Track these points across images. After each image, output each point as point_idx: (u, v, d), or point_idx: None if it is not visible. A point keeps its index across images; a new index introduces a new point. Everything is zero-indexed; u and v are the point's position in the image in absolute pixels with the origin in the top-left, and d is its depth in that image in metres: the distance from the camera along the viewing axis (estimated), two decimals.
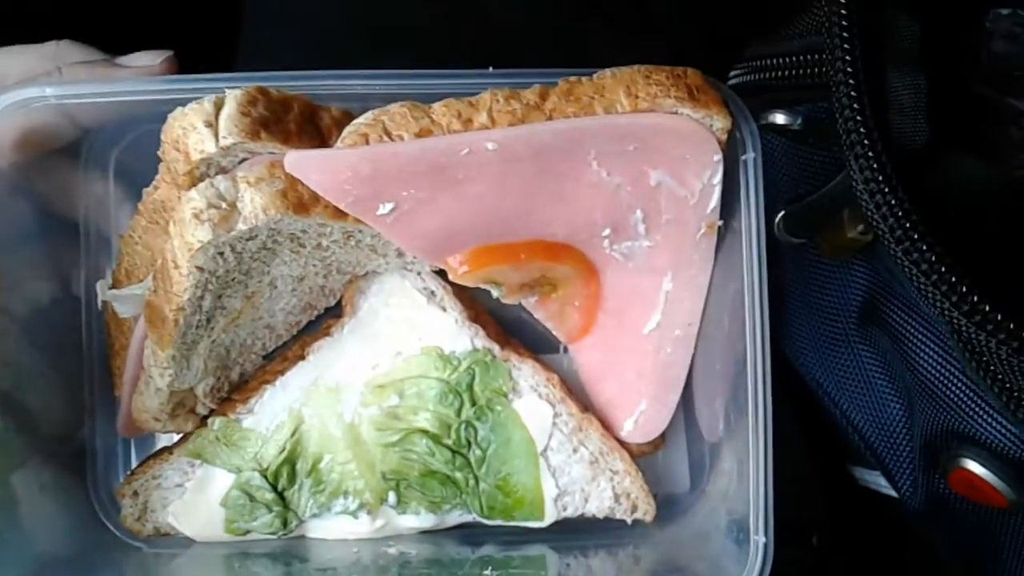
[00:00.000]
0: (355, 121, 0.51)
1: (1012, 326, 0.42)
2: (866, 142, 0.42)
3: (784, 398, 0.71)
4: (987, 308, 0.42)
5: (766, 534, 0.51)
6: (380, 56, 0.54)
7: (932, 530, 0.66)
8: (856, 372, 0.64)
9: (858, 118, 0.42)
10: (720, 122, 0.50)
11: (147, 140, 0.54)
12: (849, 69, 0.43)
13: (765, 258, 0.51)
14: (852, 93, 0.43)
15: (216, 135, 0.49)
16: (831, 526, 0.76)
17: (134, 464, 0.65)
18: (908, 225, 0.43)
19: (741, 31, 0.63)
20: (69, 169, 0.61)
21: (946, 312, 0.44)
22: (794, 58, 0.54)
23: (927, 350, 0.56)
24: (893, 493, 0.67)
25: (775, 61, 0.54)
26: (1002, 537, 0.60)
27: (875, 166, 0.42)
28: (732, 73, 0.60)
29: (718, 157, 0.51)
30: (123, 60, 0.56)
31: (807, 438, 0.74)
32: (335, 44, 0.73)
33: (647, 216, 0.54)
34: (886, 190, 0.42)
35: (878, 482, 0.71)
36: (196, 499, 0.62)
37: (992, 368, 0.49)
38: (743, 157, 0.51)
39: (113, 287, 0.59)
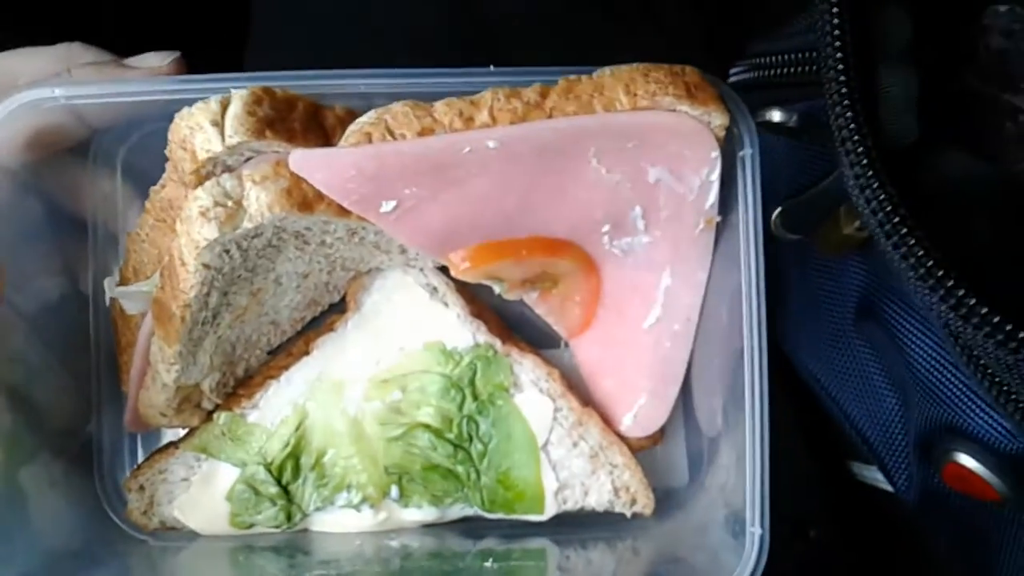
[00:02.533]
0: (358, 120, 0.52)
1: (998, 320, 0.42)
2: (856, 137, 0.43)
3: (783, 394, 0.72)
4: (974, 302, 0.43)
5: (762, 525, 0.51)
6: (384, 55, 0.55)
7: (927, 525, 0.67)
8: (853, 368, 0.64)
9: (848, 114, 0.43)
10: (718, 119, 0.51)
11: (155, 139, 0.55)
12: (840, 66, 0.44)
13: (763, 253, 0.51)
14: (843, 89, 0.43)
15: (222, 134, 0.50)
16: (829, 520, 0.77)
17: (141, 459, 0.66)
18: (897, 219, 0.43)
19: (742, 27, 0.64)
20: (78, 168, 0.62)
21: (935, 306, 0.44)
22: (791, 55, 0.55)
23: (922, 345, 0.57)
24: (890, 488, 0.68)
25: (773, 59, 0.55)
26: (995, 531, 0.60)
27: (865, 161, 0.43)
28: (733, 71, 0.61)
29: (716, 154, 0.52)
30: (131, 61, 0.57)
31: (805, 434, 0.75)
32: (340, 44, 0.74)
33: (646, 212, 0.55)
34: (875, 184, 0.43)
35: (875, 477, 0.72)
36: (201, 493, 0.63)
37: (982, 363, 0.50)
38: (740, 153, 0.52)
39: (120, 284, 0.60)
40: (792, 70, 0.55)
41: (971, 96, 0.50)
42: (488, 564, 0.58)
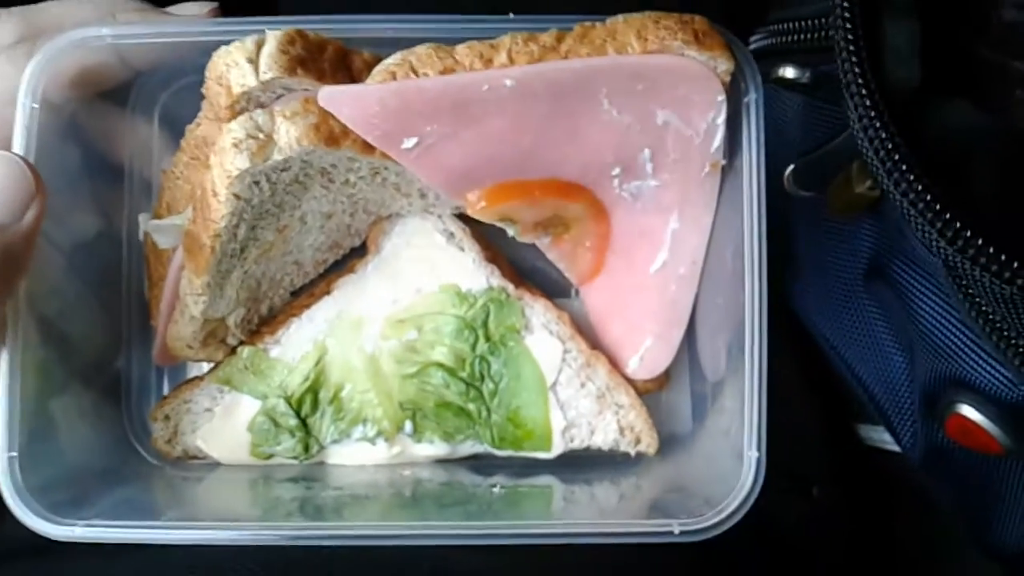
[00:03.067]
0: (384, 61, 0.55)
1: (994, 252, 0.44)
2: (860, 81, 0.45)
3: (791, 354, 0.74)
4: (975, 239, 0.44)
5: (758, 449, 0.54)
6: (411, 5, 0.58)
7: (933, 481, 0.70)
8: (862, 327, 0.66)
9: (854, 58, 0.45)
10: (724, 64, 0.54)
11: (190, 90, 0.59)
12: (847, 14, 0.46)
13: (764, 196, 0.54)
14: (849, 36, 0.46)
15: (256, 70, 0.53)
16: (833, 481, 0.78)
17: (167, 392, 0.69)
18: (898, 157, 0.45)
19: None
20: (117, 113, 0.65)
21: (941, 249, 0.46)
22: (808, 21, 0.57)
23: (928, 302, 0.58)
24: (896, 448, 0.70)
25: (791, 25, 0.58)
26: (999, 485, 0.62)
27: (868, 103, 0.45)
28: (752, 38, 0.63)
29: (721, 97, 0.54)
30: (172, 9, 0.61)
31: (813, 394, 0.77)
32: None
33: (655, 155, 0.58)
34: (878, 125, 0.45)
35: (882, 439, 0.74)
36: (224, 424, 0.66)
37: (985, 309, 0.52)
38: (745, 99, 0.55)
39: (153, 219, 0.63)
40: (809, 36, 0.57)
41: (981, 60, 0.51)
42: (496, 489, 0.61)
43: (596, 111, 0.55)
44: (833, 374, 0.73)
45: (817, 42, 0.58)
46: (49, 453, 0.59)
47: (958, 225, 0.45)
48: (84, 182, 0.64)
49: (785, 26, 0.60)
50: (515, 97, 0.53)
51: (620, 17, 0.54)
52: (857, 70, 0.45)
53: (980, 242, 0.45)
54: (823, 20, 0.57)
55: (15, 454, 0.54)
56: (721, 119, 0.55)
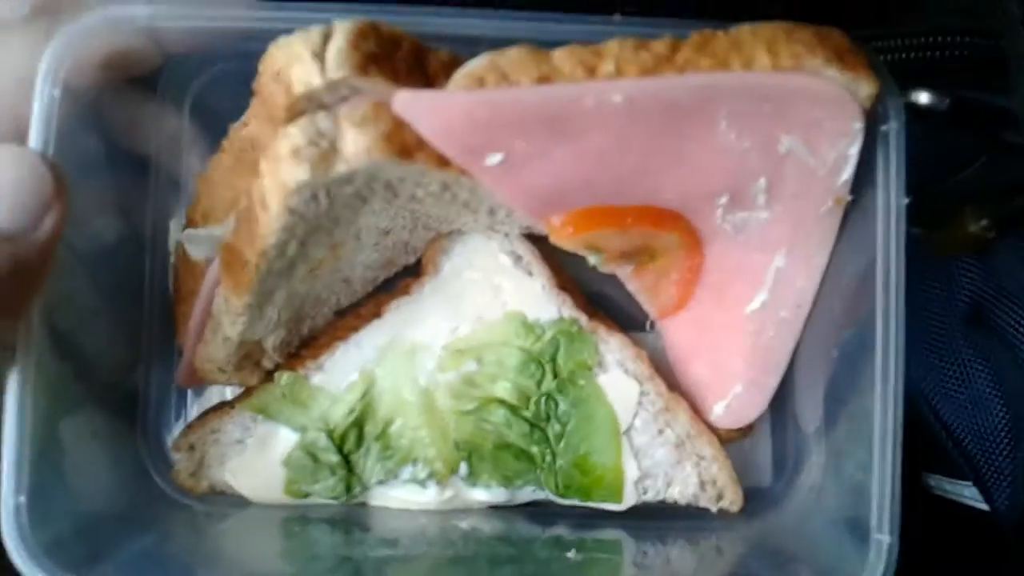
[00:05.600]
0: (468, 64, 0.47)
1: None
2: None
3: None
4: None
5: (891, 533, 0.47)
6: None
7: None
8: (958, 375, 0.62)
9: None
10: (865, 88, 0.46)
11: (227, 79, 0.52)
12: None
13: (904, 241, 0.47)
14: None
15: (323, 68, 0.45)
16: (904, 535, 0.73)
17: (189, 417, 0.62)
18: None
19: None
20: (144, 102, 0.59)
21: None
22: (942, 38, 0.51)
23: None
24: (981, 505, 0.64)
25: (925, 40, 0.51)
26: None
27: None
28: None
29: (858, 125, 0.47)
30: None
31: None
32: None
33: (771, 185, 0.50)
34: None
35: (961, 492, 0.68)
36: (256, 457, 0.60)
37: None
38: (884, 127, 0.48)
39: (186, 228, 0.56)
40: (941, 53, 0.50)
41: None
42: (568, 554, 0.54)
43: (712, 133, 0.47)
44: (913, 420, 0.67)
45: (956, 61, 0.51)
46: (60, 491, 0.52)
47: None
48: (105, 178, 0.57)
49: (910, 42, 0.53)
50: (622, 114, 0.46)
51: (746, 26, 0.47)
52: None
53: None
54: (963, 39, 0.51)
55: (23, 499, 0.48)
56: (854, 150, 0.48)
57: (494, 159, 0.47)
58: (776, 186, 0.50)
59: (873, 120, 0.48)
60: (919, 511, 0.72)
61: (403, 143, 0.47)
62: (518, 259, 0.59)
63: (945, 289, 0.61)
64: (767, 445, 0.63)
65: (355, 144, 0.46)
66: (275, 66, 0.47)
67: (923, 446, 0.70)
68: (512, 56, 0.47)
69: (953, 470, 0.68)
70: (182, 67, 0.59)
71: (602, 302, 0.63)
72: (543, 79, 0.46)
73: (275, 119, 0.48)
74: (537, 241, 0.59)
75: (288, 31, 0.47)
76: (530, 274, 0.59)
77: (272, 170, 0.47)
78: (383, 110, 0.46)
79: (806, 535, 0.55)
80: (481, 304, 0.59)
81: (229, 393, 0.63)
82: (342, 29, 0.46)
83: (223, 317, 0.54)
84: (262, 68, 0.48)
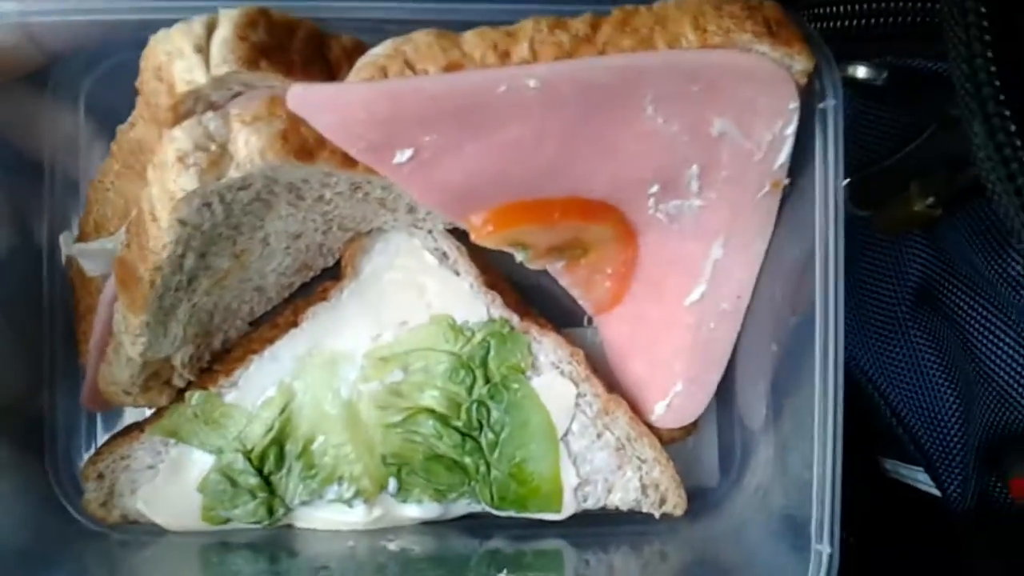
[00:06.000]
0: (371, 52, 0.43)
1: None
2: (1002, 97, 0.36)
3: None
4: None
5: (831, 543, 0.44)
6: None
7: (978, 534, 0.62)
8: (907, 360, 0.59)
9: (992, 68, 0.36)
10: (800, 63, 0.43)
11: (124, 70, 0.47)
12: (982, 9, 0.36)
13: (843, 223, 0.44)
14: (985, 37, 0.36)
15: (207, 62, 0.41)
16: (862, 523, 0.71)
17: (100, 441, 0.58)
18: None
19: None
20: (33, 101, 0.55)
21: None
22: (879, 4, 0.48)
23: (993, 338, 0.53)
24: (934, 491, 0.62)
25: (853, 8, 0.48)
26: None
27: (1012, 127, 0.36)
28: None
29: (794, 104, 0.44)
30: None
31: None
32: None
33: (703, 171, 0.47)
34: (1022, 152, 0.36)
35: (915, 477, 0.67)
36: (170, 483, 0.56)
37: None
38: (821, 105, 0.44)
39: (80, 239, 0.53)
40: (877, 21, 0.47)
41: None
42: (502, 574, 0.51)
43: (638, 118, 0.44)
44: (863, 405, 0.65)
45: (887, 28, 0.48)
46: None
47: None
48: None
49: (844, 8, 0.50)
50: (539, 101, 0.42)
51: (670, 0, 0.43)
52: (997, 83, 0.36)
53: None
54: (902, 4, 0.48)
55: None
56: (790, 130, 0.45)
57: (402, 156, 0.43)
58: (710, 171, 0.47)
59: (809, 97, 0.45)
60: (876, 495, 0.71)
61: (302, 142, 0.43)
62: (444, 257, 0.56)
63: (893, 270, 0.58)
64: (713, 443, 0.60)
65: (247, 146, 0.42)
66: (156, 62, 0.43)
67: (877, 431, 0.68)
68: (418, 41, 0.43)
69: (905, 455, 0.66)
70: (72, 62, 0.54)
71: (539, 296, 0.59)
72: (452, 66, 0.42)
73: (160, 121, 0.44)
74: (463, 236, 0.55)
75: (172, 22, 0.43)
76: (457, 273, 0.55)
77: (159, 178, 0.43)
78: (278, 106, 0.43)
79: (749, 540, 0.53)
80: (405, 307, 0.56)
81: (147, 413, 0.58)
82: (227, 17, 0.42)
83: (123, 336, 0.50)
84: (143, 64, 0.44)
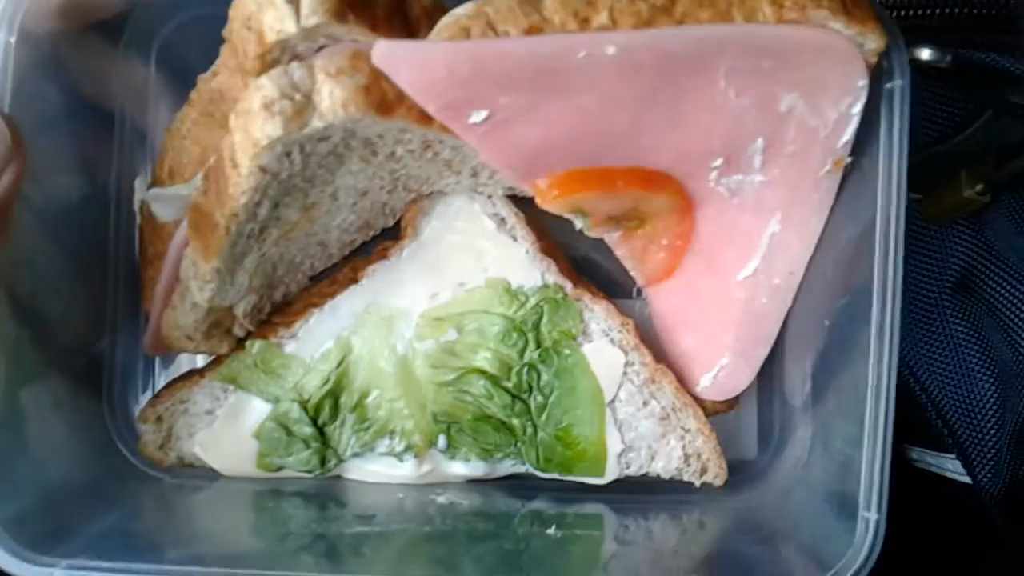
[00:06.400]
0: (453, 12, 0.44)
1: None
2: None
3: None
4: None
5: (879, 511, 0.45)
6: None
7: (1008, 521, 0.63)
8: (945, 346, 0.60)
9: None
10: (872, 42, 0.44)
11: (197, 26, 0.49)
12: None
13: (904, 206, 0.45)
14: None
15: (297, 13, 0.43)
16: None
17: (158, 386, 0.60)
18: None
19: None
20: (108, 51, 0.56)
21: None
22: None
23: None
24: (964, 478, 0.63)
25: None
26: None
27: None
28: None
29: (863, 82, 0.45)
30: None
31: None
32: None
33: (768, 146, 0.48)
34: None
35: (943, 465, 0.67)
36: (227, 429, 0.58)
37: None
38: (889, 85, 0.45)
39: (153, 186, 0.53)
40: (949, 10, 0.48)
41: None
42: (549, 531, 0.52)
43: (710, 90, 0.45)
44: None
45: (957, 19, 0.49)
46: (22, 463, 0.51)
47: None
48: (67, 132, 0.55)
49: None
50: (615, 69, 0.43)
51: None
52: None
53: None
54: None
55: None
56: (858, 108, 0.46)
57: (478, 116, 0.45)
58: (774, 147, 0.48)
59: (878, 77, 0.46)
60: (902, 484, 0.72)
61: (383, 97, 0.44)
62: (502, 222, 0.57)
63: (935, 257, 0.59)
64: (753, 418, 0.61)
65: (331, 98, 0.43)
66: (246, 12, 0.44)
67: (907, 419, 0.69)
68: (500, 4, 0.44)
69: (936, 443, 0.67)
70: (148, 12, 0.56)
71: (588, 268, 0.61)
72: (533, 30, 0.43)
73: (246, 70, 0.46)
74: (521, 204, 0.57)
75: None
76: (514, 239, 0.57)
77: (242, 125, 0.44)
78: (361, 61, 0.44)
79: (791, 510, 0.54)
80: (462, 269, 0.57)
81: (200, 361, 0.60)
82: None
83: (191, 282, 0.51)
84: (232, 14, 0.46)
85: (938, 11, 0.50)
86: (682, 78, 0.44)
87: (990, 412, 0.59)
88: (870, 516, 0.46)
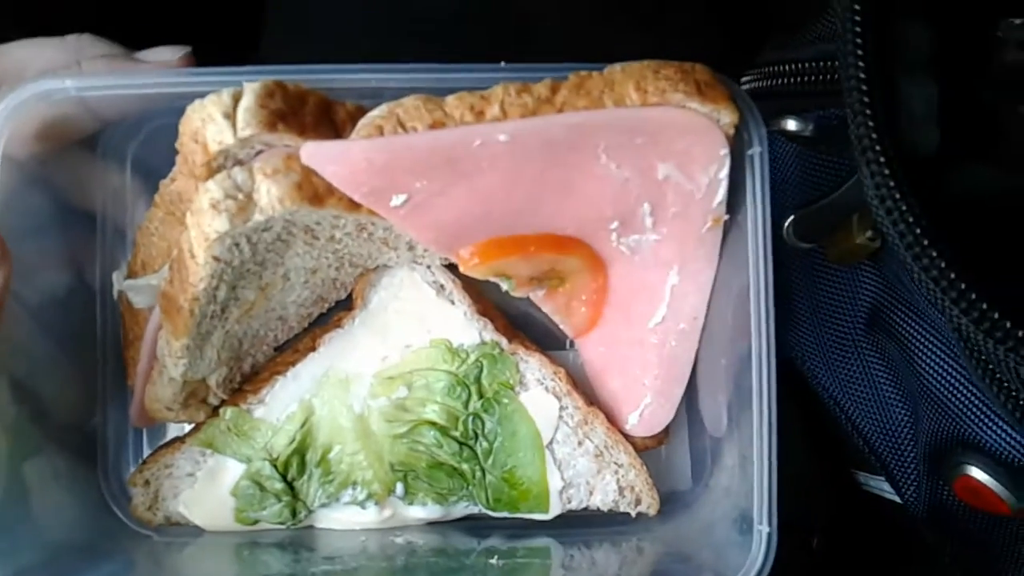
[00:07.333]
0: (369, 114, 0.52)
1: (1021, 334, 0.42)
2: (877, 147, 0.42)
3: (789, 401, 0.71)
4: (996, 315, 0.42)
5: (770, 523, 0.51)
6: (399, 51, 0.55)
7: (935, 536, 0.67)
8: (862, 378, 0.64)
9: (869, 123, 0.42)
10: (727, 116, 0.51)
11: (164, 133, 0.55)
12: (862, 75, 0.43)
13: (771, 252, 0.51)
14: (864, 99, 0.43)
15: (234, 126, 0.50)
16: (832, 529, 0.76)
17: (145, 454, 0.66)
18: (919, 231, 0.42)
19: (760, 35, 0.64)
20: (87, 161, 0.62)
21: (955, 318, 0.43)
22: (807, 64, 0.54)
23: (933, 357, 0.56)
24: (897, 498, 0.67)
25: (787, 67, 0.55)
26: (1004, 546, 0.60)
27: (886, 172, 0.42)
28: (744, 79, 0.61)
29: (724, 151, 0.52)
30: (142, 55, 0.57)
31: (811, 442, 0.74)
32: (349, 42, 0.74)
33: (654, 209, 0.55)
34: (897, 196, 0.42)
35: (881, 487, 0.71)
36: (207, 488, 0.63)
37: (998, 376, 0.50)
38: (749, 152, 0.52)
39: (128, 278, 0.60)
40: (806, 79, 0.54)
41: (989, 109, 0.48)
42: (493, 560, 0.58)
43: (593, 165, 0.52)
44: (832, 422, 0.70)
45: (815, 85, 0.55)
46: (24, 528, 0.56)
47: (974, 296, 0.42)
48: (54, 235, 0.61)
49: (781, 68, 0.57)
50: (509, 152, 0.50)
51: (617, 66, 0.51)
52: (873, 135, 0.42)
53: (997, 316, 0.42)
54: (823, 64, 0.55)
55: None
56: (724, 173, 0.53)
57: (398, 199, 0.52)
58: (660, 209, 0.55)
59: (739, 146, 0.53)
60: (853, 506, 0.76)
61: (314, 190, 0.51)
62: (441, 289, 0.63)
63: (847, 296, 0.63)
64: (685, 450, 0.67)
65: (269, 194, 0.50)
66: (192, 127, 0.51)
67: (846, 446, 0.74)
68: (408, 104, 0.51)
69: (869, 466, 0.71)
70: (119, 127, 0.62)
71: (527, 323, 0.66)
72: (436, 124, 0.51)
73: (196, 175, 0.53)
74: (457, 271, 0.63)
75: (205, 94, 0.51)
76: (452, 302, 0.63)
77: (196, 222, 0.51)
78: (294, 161, 0.51)
79: (713, 534, 0.59)
80: (408, 332, 0.63)
81: (185, 429, 0.66)
82: (250, 89, 0.50)
83: (166, 359, 0.58)
84: (182, 129, 0.52)
85: (798, 80, 0.56)
86: (567, 156, 0.51)
87: (906, 435, 0.63)
88: (763, 529, 0.51)
